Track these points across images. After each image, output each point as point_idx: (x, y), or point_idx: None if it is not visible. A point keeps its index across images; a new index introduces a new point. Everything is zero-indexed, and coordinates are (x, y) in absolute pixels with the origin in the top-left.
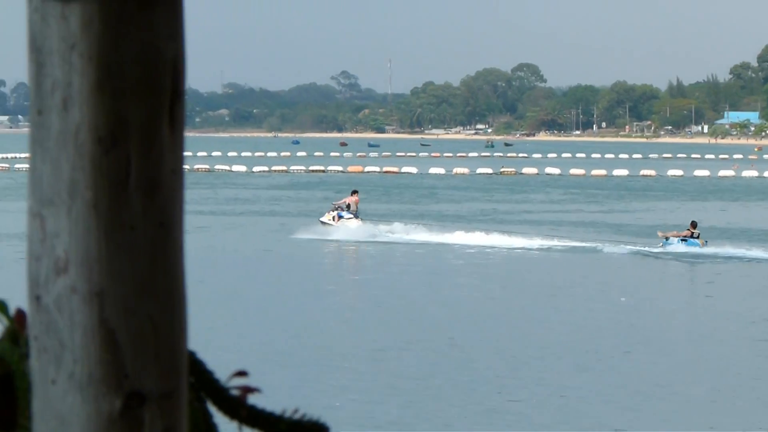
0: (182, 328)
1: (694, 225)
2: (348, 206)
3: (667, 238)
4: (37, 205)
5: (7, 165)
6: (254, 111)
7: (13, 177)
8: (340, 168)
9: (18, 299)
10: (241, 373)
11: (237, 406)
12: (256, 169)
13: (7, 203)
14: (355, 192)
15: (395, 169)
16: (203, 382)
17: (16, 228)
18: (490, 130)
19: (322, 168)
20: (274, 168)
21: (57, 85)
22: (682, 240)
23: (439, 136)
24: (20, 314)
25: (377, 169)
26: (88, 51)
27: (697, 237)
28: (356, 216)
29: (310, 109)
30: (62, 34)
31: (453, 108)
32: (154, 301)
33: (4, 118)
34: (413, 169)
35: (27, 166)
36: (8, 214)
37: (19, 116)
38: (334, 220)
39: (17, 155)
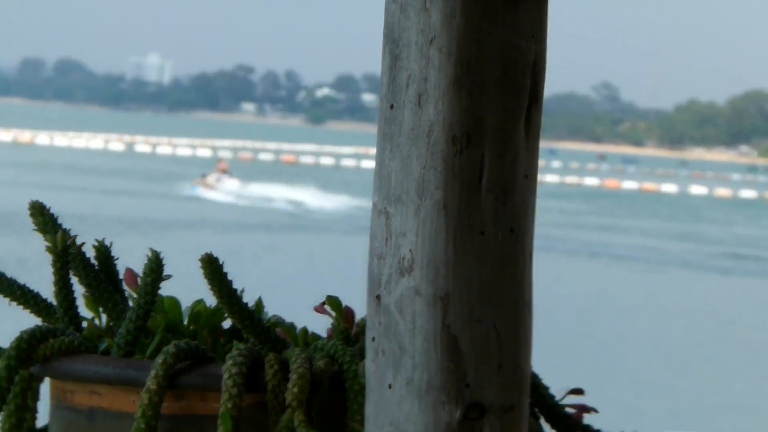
0: (527, 339)
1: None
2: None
3: None
4: (382, 202)
5: (251, 155)
6: None
7: (255, 166)
8: (596, 182)
9: (347, 297)
10: (577, 391)
11: (572, 426)
12: None
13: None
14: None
15: (654, 187)
16: (538, 398)
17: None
18: (755, 153)
19: (577, 180)
20: None
21: (412, 79)
22: None
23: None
24: (349, 312)
25: (635, 185)
26: (448, 46)
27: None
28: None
29: (567, 119)
30: (421, 26)
31: (716, 128)
32: (499, 309)
33: (251, 106)
34: (673, 188)
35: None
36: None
37: (266, 105)
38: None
39: (263, 144)
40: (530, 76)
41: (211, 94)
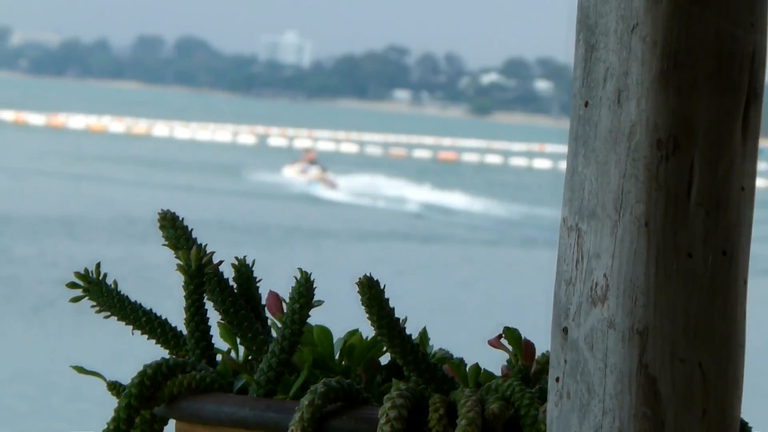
0: (737, 381)
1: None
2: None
3: None
4: (573, 217)
5: (404, 151)
6: None
7: (409, 164)
8: None
9: (521, 326)
10: None
11: None
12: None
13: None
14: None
15: None
16: None
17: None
18: None
19: None
20: None
21: (611, 73)
22: None
23: None
24: (528, 347)
25: None
26: (653, 34)
27: None
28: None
29: None
30: (622, 11)
31: None
32: (706, 345)
33: (405, 94)
34: None
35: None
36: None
37: (422, 93)
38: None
39: (419, 139)
40: (748, 70)
41: (358, 80)
